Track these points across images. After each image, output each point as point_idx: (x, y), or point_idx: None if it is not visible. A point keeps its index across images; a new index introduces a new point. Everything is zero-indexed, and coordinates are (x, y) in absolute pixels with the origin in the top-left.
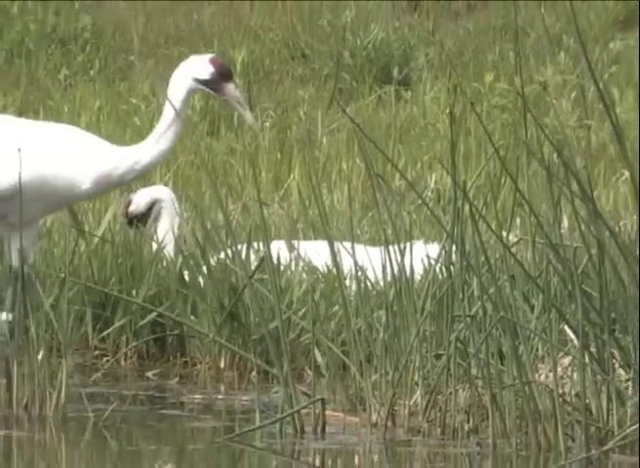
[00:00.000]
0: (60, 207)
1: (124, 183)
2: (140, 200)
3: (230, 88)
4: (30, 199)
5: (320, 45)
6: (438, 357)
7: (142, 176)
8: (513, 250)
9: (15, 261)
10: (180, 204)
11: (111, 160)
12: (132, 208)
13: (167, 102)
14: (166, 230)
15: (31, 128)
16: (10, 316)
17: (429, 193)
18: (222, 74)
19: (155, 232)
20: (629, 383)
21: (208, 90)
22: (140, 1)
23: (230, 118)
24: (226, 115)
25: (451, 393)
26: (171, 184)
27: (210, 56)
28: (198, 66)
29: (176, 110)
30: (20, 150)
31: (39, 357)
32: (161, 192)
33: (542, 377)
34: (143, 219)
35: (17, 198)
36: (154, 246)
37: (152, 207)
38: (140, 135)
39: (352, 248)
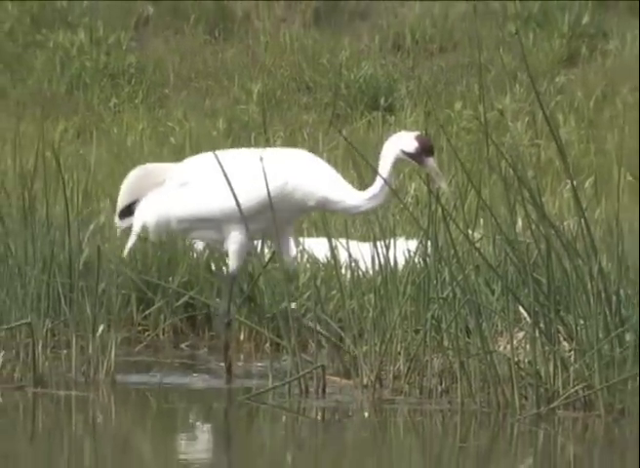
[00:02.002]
0: (288, 221)
1: (330, 211)
2: None
3: (430, 161)
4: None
5: (321, 79)
6: (417, 332)
7: None
8: (477, 245)
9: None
10: None
11: (340, 194)
12: None
13: (380, 165)
14: None
15: (295, 159)
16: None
17: (410, 199)
18: (425, 150)
19: None
20: (572, 353)
21: (412, 160)
22: (175, 43)
23: (248, 138)
24: (245, 136)
25: (427, 361)
26: None
27: (416, 133)
28: (406, 141)
29: (384, 178)
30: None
31: (94, 332)
32: None
33: (501, 348)
34: None
35: (264, 213)
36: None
37: None
38: (174, 151)
39: (347, 243)
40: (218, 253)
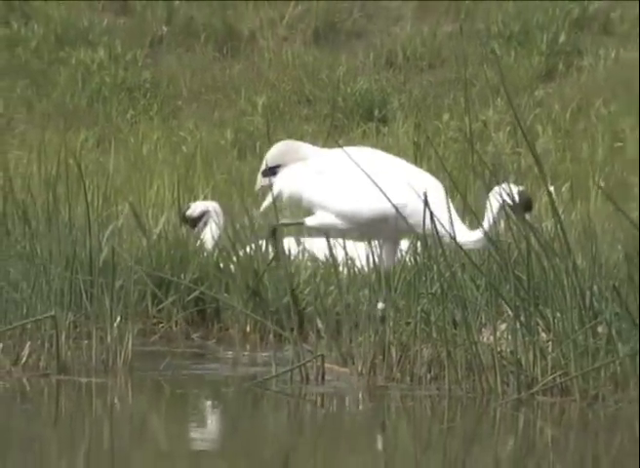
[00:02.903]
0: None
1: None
2: (196, 207)
3: (528, 217)
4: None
5: (320, 92)
6: (408, 324)
7: (189, 189)
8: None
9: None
10: (223, 217)
11: (451, 230)
12: (188, 212)
13: (486, 214)
14: (209, 232)
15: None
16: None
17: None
18: (525, 206)
19: (201, 232)
20: (549, 343)
21: (513, 214)
22: (187, 60)
23: (253, 147)
24: (250, 145)
25: (417, 351)
26: (210, 195)
27: (521, 188)
28: (511, 194)
29: (488, 223)
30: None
31: (113, 324)
32: (212, 206)
33: (485, 339)
34: (194, 222)
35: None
36: (198, 242)
37: (203, 215)
38: (185, 159)
39: (344, 243)
40: (225, 251)
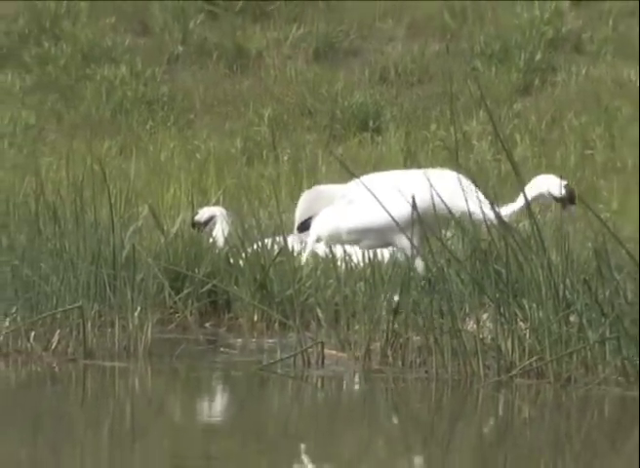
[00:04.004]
0: (441, 226)
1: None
2: (203, 213)
3: (572, 209)
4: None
5: (320, 105)
6: (400, 313)
7: (202, 192)
8: (449, 242)
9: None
10: (230, 218)
11: (478, 209)
12: (197, 217)
13: (524, 194)
14: (218, 232)
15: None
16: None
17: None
18: (570, 198)
19: (211, 233)
20: (526, 331)
21: (554, 202)
22: (200, 76)
23: (260, 155)
24: (257, 153)
25: (408, 338)
26: (222, 198)
27: (565, 182)
28: (555, 185)
29: (524, 203)
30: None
31: (134, 313)
32: (217, 211)
33: (469, 327)
34: (202, 226)
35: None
36: (210, 240)
37: (210, 219)
38: (199, 165)
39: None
40: (235, 248)
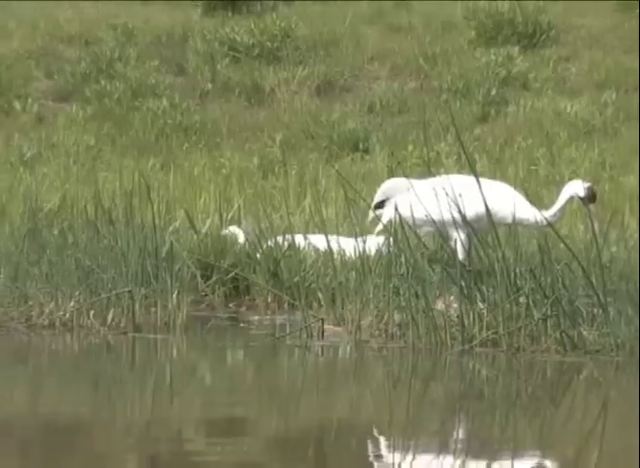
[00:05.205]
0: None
1: (524, 227)
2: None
3: (592, 207)
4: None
5: (321, 131)
6: (384, 296)
7: (227, 200)
8: (423, 239)
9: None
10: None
11: (528, 215)
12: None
13: (559, 199)
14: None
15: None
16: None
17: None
18: (590, 198)
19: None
20: (485, 310)
21: (581, 201)
22: (226, 108)
23: (273, 170)
24: (271, 168)
25: (390, 315)
26: (242, 205)
27: (588, 184)
28: (580, 188)
29: (560, 207)
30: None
31: (172, 296)
32: (235, 230)
33: (439, 307)
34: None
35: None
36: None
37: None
38: (224, 178)
39: (337, 238)
40: (253, 244)
